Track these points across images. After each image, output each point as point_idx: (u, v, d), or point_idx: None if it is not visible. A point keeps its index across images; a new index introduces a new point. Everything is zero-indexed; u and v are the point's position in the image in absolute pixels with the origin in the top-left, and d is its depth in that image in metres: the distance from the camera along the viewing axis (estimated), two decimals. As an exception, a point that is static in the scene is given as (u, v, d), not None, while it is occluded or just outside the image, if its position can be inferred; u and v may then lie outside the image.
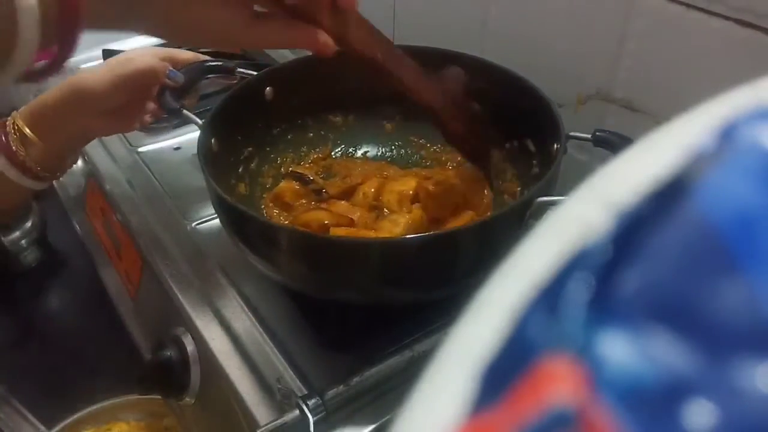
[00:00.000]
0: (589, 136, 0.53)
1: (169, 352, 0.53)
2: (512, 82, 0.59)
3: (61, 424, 0.68)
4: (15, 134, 0.56)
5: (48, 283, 0.93)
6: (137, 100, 0.61)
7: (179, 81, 0.58)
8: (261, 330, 0.53)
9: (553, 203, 0.46)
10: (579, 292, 0.13)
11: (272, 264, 0.49)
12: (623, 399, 0.11)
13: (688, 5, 0.51)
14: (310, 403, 0.45)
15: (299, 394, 0.46)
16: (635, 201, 0.14)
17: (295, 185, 0.62)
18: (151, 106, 0.63)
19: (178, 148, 0.78)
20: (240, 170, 0.62)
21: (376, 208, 0.61)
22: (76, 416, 0.69)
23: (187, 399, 0.55)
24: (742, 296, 0.12)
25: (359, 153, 0.70)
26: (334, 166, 0.68)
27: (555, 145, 0.53)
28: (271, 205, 0.62)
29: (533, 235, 0.15)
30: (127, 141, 0.79)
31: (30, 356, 0.82)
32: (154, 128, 0.80)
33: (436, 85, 0.51)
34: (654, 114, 0.58)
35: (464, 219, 0.57)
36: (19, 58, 0.34)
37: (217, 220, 0.64)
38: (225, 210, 0.51)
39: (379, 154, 0.70)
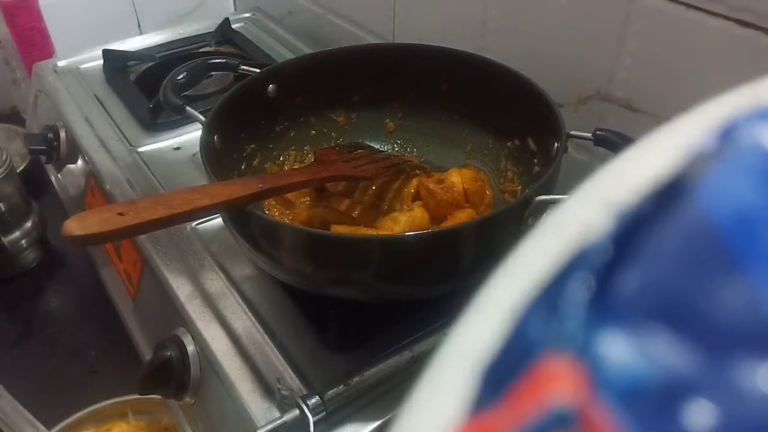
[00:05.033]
0: (590, 135, 0.53)
1: (169, 352, 0.53)
2: (513, 80, 0.59)
3: (61, 424, 0.68)
4: None
5: (48, 283, 0.93)
6: None
7: None
8: (261, 330, 0.53)
9: (552, 202, 0.46)
10: (579, 292, 0.13)
11: (273, 261, 0.49)
12: (623, 399, 0.11)
13: (687, 5, 0.51)
14: (310, 403, 0.45)
15: (299, 394, 0.46)
16: (635, 201, 0.14)
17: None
18: None
19: (178, 148, 0.78)
20: (242, 167, 0.62)
21: (377, 206, 0.61)
22: (76, 416, 0.69)
23: (187, 399, 0.55)
24: (742, 296, 0.12)
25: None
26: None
27: (555, 144, 0.53)
28: (273, 202, 0.62)
29: (533, 235, 0.15)
30: (127, 141, 0.79)
31: (30, 356, 0.82)
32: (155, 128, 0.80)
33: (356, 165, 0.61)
34: (654, 114, 0.58)
35: (464, 217, 0.57)
36: None
37: (218, 220, 0.64)
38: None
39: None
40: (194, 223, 0.65)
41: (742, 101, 0.15)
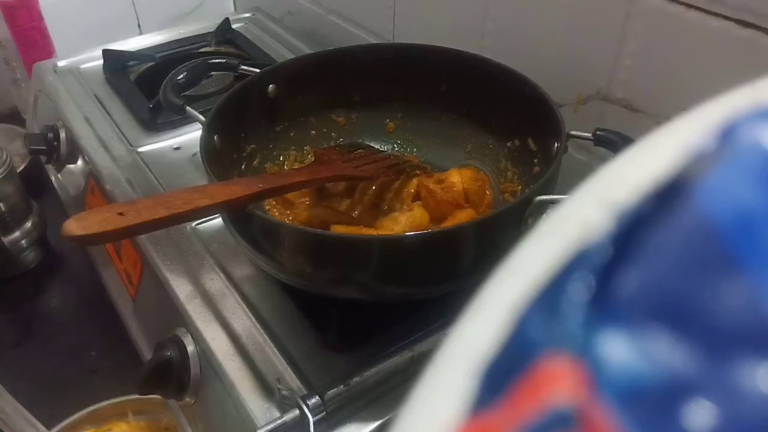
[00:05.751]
0: (590, 135, 0.53)
1: (169, 352, 0.53)
2: (513, 81, 0.59)
3: (61, 424, 0.68)
4: None
5: (48, 283, 0.93)
6: None
7: None
8: (261, 330, 0.53)
9: (552, 202, 0.46)
10: (579, 292, 0.13)
11: (273, 261, 0.49)
12: (623, 399, 0.11)
13: (688, 5, 0.51)
14: (310, 403, 0.45)
15: (299, 394, 0.46)
16: (635, 201, 0.14)
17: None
18: None
19: (178, 148, 0.78)
20: (242, 167, 0.62)
21: (377, 206, 0.61)
22: (76, 416, 0.69)
23: (187, 399, 0.55)
24: (742, 296, 0.12)
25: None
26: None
27: (555, 144, 0.53)
28: (273, 202, 0.62)
29: (533, 235, 0.15)
30: (127, 141, 0.79)
31: (30, 356, 0.82)
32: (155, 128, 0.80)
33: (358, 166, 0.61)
34: (654, 114, 0.58)
35: (464, 217, 0.57)
36: None
37: (218, 220, 0.64)
38: (227, 207, 0.51)
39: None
40: (194, 223, 0.65)
41: (742, 101, 0.15)
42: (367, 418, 0.47)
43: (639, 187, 0.14)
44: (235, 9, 1.29)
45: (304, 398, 0.45)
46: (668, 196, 0.14)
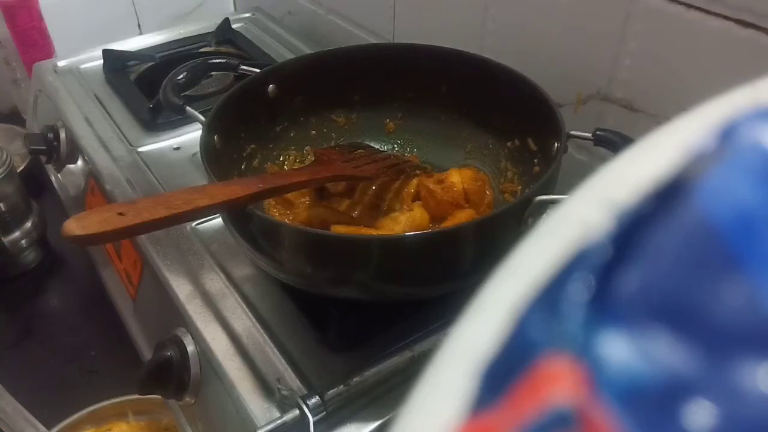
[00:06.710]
0: (590, 135, 0.53)
1: (169, 352, 0.53)
2: (513, 81, 0.59)
3: (61, 424, 0.68)
4: None
5: (48, 283, 0.93)
6: None
7: None
8: (261, 330, 0.53)
9: (552, 202, 0.46)
10: (579, 292, 0.13)
11: (273, 261, 0.49)
12: (623, 399, 0.11)
13: (688, 5, 0.51)
14: (310, 403, 0.45)
15: (299, 394, 0.46)
16: (635, 201, 0.14)
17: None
18: None
19: (178, 148, 0.78)
20: (242, 167, 0.62)
21: (377, 206, 0.61)
22: (76, 416, 0.69)
23: (187, 399, 0.55)
24: (742, 296, 0.12)
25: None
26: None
27: (555, 144, 0.53)
28: (273, 202, 0.62)
29: (533, 235, 0.15)
30: (127, 141, 0.79)
31: (30, 356, 0.82)
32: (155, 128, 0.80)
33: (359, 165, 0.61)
34: (654, 114, 0.58)
35: (464, 217, 0.57)
36: None
37: (218, 220, 0.64)
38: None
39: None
40: (194, 223, 0.65)
41: (742, 101, 0.15)
42: (367, 418, 0.47)
43: (639, 187, 0.14)
44: (235, 9, 1.29)
45: (304, 398, 0.45)
46: (668, 196, 0.14)
